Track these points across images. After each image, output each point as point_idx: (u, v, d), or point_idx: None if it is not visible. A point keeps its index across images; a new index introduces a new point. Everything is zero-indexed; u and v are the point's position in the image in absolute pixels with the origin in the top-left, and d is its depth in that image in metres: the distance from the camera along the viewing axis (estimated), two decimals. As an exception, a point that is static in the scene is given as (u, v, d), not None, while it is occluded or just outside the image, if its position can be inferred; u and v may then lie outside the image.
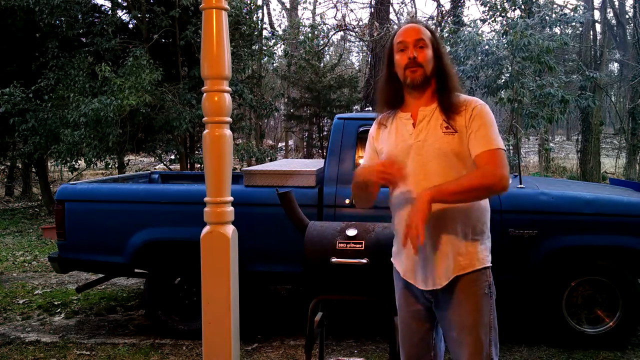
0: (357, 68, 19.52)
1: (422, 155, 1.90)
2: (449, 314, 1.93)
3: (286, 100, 13.84)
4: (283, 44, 13.21)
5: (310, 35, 12.35)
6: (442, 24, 11.39)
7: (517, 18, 8.86)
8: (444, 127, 1.89)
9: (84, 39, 9.75)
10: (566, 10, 10.57)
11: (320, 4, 22.54)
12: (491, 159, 1.82)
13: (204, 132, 2.42)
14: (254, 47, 11.16)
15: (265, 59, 13.27)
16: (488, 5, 9.62)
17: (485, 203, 1.95)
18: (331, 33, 12.94)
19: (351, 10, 39.86)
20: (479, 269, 1.91)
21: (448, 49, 8.81)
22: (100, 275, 4.36)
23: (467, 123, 1.88)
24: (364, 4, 24.11)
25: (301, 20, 14.48)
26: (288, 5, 18.98)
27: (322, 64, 13.33)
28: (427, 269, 1.94)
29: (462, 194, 1.78)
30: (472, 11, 71.79)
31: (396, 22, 11.82)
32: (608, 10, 16.08)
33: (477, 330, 1.89)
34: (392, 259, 2.11)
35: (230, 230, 2.45)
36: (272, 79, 17.02)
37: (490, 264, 1.95)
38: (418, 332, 2.04)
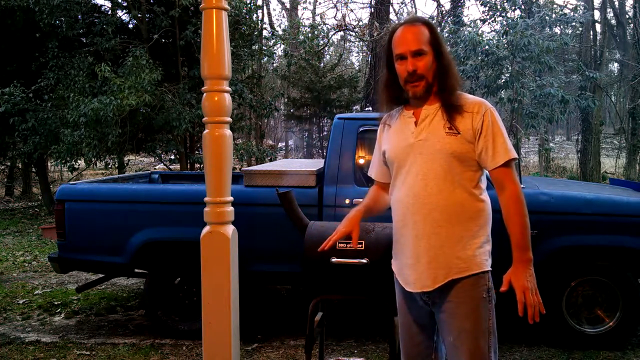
0: (357, 68, 19.50)
1: (422, 155, 1.88)
2: (446, 318, 1.90)
3: (286, 100, 13.83)
4: (283, 44, 13.19)
5: (310, 35, 12.34)
6: (442, 24, 11.38)
7: (517, 18, 8.86)
8: (447, 127, 1.85)
9: (84, 39, 9.74)
10: (566, 10, 10.57)
11: (320, 4, 22.56)
12: (507, 175, 1.86)
13: (204, 132, 2.42)
14: (254, 47, 11.15)
15: (265, 59, 13.27)
16: (488, 5, 9.63)
17: (482, 205, 1.90)
18: (331, 33, 12.94)
19: (351, 10, 39.83)
20: (476, 273, 1.87)
21: (448, 49, 8.83)
22: (100, 275, 4.36)
23: (477, 126, 1.85)
24: (364, 4, 24.10)
25: (301, 20, 14.48)
26: (288, 5, 18.99)
27: (322, 64, 13.34)
28: (417, 270, 1.92)
29: (526, 228, 1.84)
30: (472, 11, 71.88)
31: (396, 22, 11.80)
32: (608, 10, 16.07)
33: (476, 336, 1.85)
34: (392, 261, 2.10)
35: (230, 230, 2.45)
36: (272, 79, 17.01)
37: (490, 268, 1.91)
38: (418, 334, 2.03)
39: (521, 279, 1.80)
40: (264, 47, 11.95)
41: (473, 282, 1.86)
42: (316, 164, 4.45)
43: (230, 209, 2.46)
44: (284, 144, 19.79)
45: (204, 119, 2.41)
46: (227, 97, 2.41)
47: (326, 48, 14.59)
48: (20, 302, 4.93)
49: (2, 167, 13.21)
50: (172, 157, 10.70)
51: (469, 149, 1.86)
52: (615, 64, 21.24)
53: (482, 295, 1.87)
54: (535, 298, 1.78)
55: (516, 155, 1.87)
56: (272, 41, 12.59)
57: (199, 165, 9.91)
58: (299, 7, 17.97)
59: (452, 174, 1.85)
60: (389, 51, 1.94)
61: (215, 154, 2.39)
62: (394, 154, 1.97)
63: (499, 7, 9.57)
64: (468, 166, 1.87)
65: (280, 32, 13.66)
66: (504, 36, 8.61)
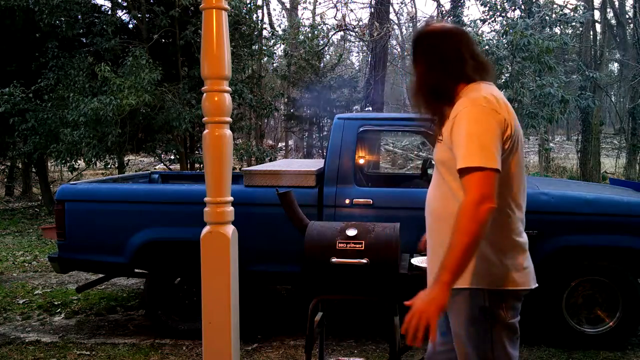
0: (357, 68, 19.50)
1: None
2: (449, 323, 1.88)
3: (286, 100, 13.82)
4: (283, 44, 13.18)
5: (310, 35, 12.33)
6: (442, 24, 11.36)
7: (517, 18, 8.87)
8: (439, 134, 1.84)
9: (83, 39, 9.75)
10: (566, 10, 10.57)
11: (320, 4, 22.52)
12: (465, 184, 1.63)
13: (204, 132, 2.43)
14: (254, 47, 11.15)
15: (265, 59, 13.25)
16: (488, 5, 9.62)
17: (499, 215, 1.69)
18: (331, 33, 12.92)
19: (351, 10, 39.83)
20: (465, 288, 1.72)
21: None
22: (100, 275, 4.36)
23: (448, 133, 1.75)
24: (364, 4, 24.10)
25: (301, 20, 14.46)
26: (288, 5, 18.96)
27: (322, 64, 13.31)
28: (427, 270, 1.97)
29: (459, 248, 1.56)
30: (472, 11, 71.72)
31: (396, 22, 11.81)
32: (608, 10, 16.08)
33: (466, 351, 1.79)
34: None
35: (230, 230, 2.45)
36: (272, 79, 17.00)
37: (499, 288, 1.74)
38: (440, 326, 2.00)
39: (419, 299, 1.60)
40: (264, 47, 11.95)
41: (464, 297, 1.74)
42: (316, 164, 4.45)
43: (230, 209, 2.46)
44: (284, 144, 19.77)
45: (204, 119, 2.41)
46: (227, 97, 2.41)
47: (326, 48, 14.58)
48: (20, 302, 4.93)
49: (2, 167, 13.20)
50: (172, 157, 10.69)
51: (450, 157, 1.73)
52: (615, 64, 21.25)
53: (474, 315, 1.74)
54: (420, 323, 1.55)
55: (475, 163, 1.59)
56: (272, 41, 12.59)
57: (199, 165, 9.91)
58: (299, 7, 17.96)
59: (444, 181, 1.82)
60: None
61: (215, 154, 2.39)
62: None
63: (499, 7, 9.57)
64: (457, 174, 1.73)
65: (280, 32, 13.64)
66: (504, 36, 8.61)
